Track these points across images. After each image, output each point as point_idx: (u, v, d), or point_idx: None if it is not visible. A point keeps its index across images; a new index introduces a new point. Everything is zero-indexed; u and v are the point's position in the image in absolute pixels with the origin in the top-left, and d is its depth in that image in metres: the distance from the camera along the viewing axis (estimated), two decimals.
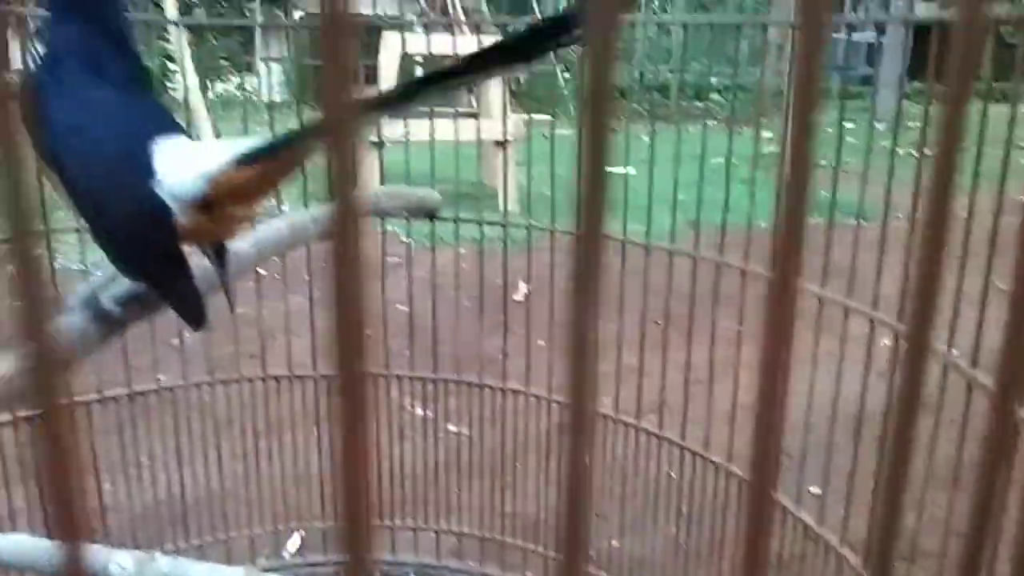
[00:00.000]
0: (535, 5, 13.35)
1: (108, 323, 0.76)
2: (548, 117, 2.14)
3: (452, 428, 1.93)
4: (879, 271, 1.30)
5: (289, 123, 1.96)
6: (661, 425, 1.64)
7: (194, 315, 0.76)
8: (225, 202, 0.70)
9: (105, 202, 0.71)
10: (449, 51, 1.70)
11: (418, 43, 4.01)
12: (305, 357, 1.71)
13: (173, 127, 0.76)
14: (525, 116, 3.69)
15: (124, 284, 0.76)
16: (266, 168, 0.68)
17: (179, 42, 5.39)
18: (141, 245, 0.72)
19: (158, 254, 0.72)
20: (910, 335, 0.25)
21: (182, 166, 0.70)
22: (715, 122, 1.84)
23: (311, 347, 1.67)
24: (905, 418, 0.24)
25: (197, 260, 0.79)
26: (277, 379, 1.73)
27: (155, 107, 0.78)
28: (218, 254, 0.81)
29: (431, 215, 1.27)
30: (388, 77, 3.95)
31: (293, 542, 1.87)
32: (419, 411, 1.87)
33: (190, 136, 0.80)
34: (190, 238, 0.74)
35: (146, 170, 0.70)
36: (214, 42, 10.77)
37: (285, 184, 0.76)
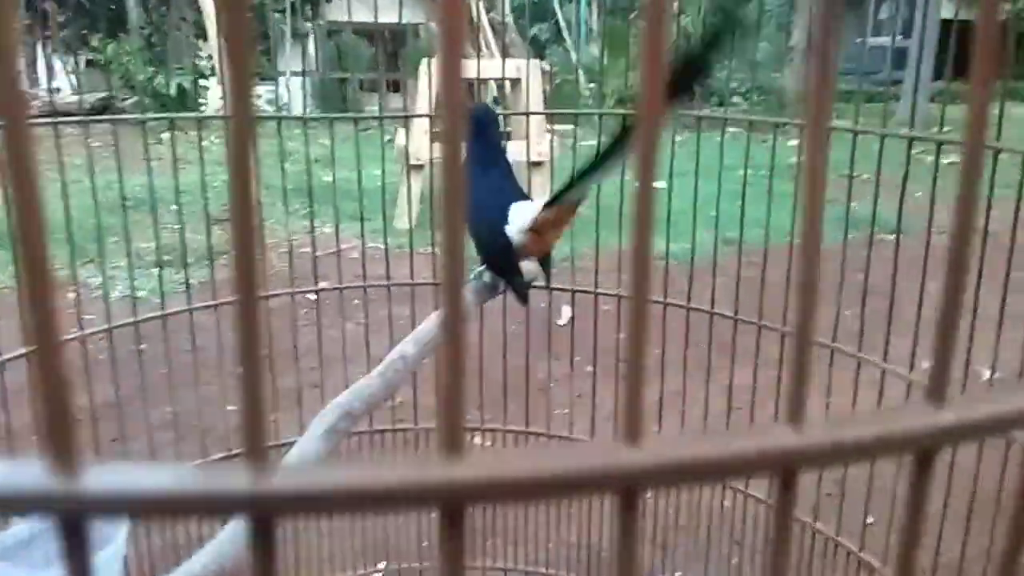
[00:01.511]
0: (558, 11, 13.43)
1: (489, 290, 1.40)
2: (570, 127, 2.17)
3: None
4: (893, 289, 1.33)
5: (320, 138, 2.03)
6: None
7: (522, 297, 1.38)
8: (541, 231, 1.28)
9: (483, 238, 1.32)
10: (497, 75, 1.77)
11: (465, 69, 4.12)
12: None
13: (520, 196, 1.35)
14: (555, 128, 3.75)
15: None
16: (559, 209, 1.24)
17: (219, 60, 5.53)
18: (499, 258, 1.33)
19: (506, 262, 1.33)
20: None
21: (519, 218, 1.29)
22: (737, 129, 1.88)
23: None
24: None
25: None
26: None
27: (512, 185, 1.37)
28: (542, 262, 1.41)
29: (530, 284, 1.56)
30: (426, 100, 4.05)
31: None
32: (476, 440, 1.92)
33: (530, 198, 1.36)
34: (526, 254, 1.33)
35: (502, 221, 1.30)
36: None
37: (572, 216, 1.28)
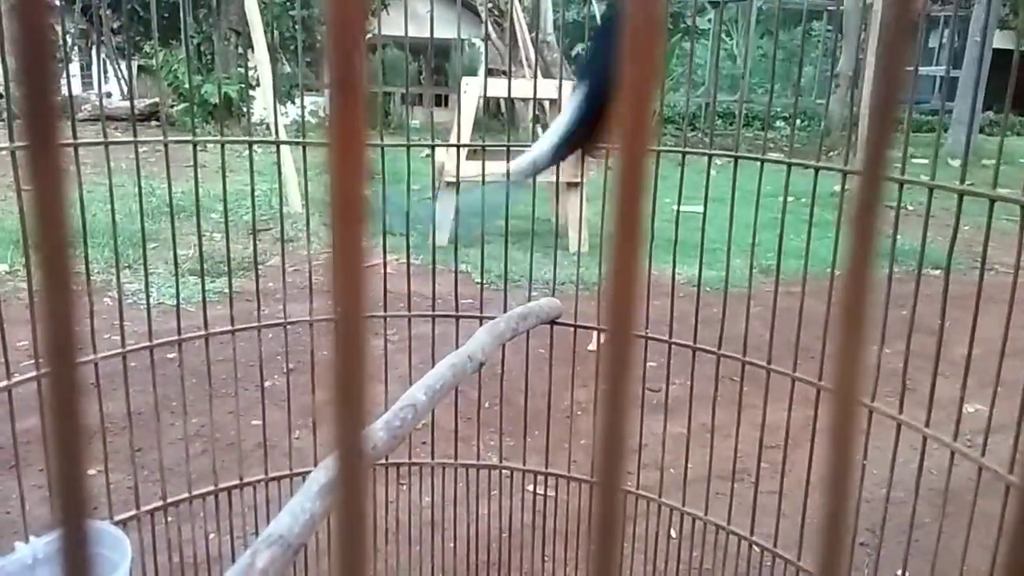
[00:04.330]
0: None
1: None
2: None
3: (531, 488, 1.89)
4: (941, 329, 1.26)
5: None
6: (730, 516, 1.61)
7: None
8: None
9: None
10: (528, 94, 1.75)
11: (498, 87, 4.14)
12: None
13: None
14: None
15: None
16: None
17: (264, 68, 5.62)
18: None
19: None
20: None
21: None
22: (779, 154, 1.83)
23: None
24: None
25: None
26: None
27: None
28: None
29: (554, 321, 1.57)
30: (467, 118, 4.06)
31: None
32: (493, 458, 1.87)
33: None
34: None
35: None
36: (285, 66, 11.16)
37: None
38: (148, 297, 1.49)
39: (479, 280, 1.82)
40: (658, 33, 0.19)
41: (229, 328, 1.58)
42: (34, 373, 1.37)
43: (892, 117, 0.20)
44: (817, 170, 1.44)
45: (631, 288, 0.19)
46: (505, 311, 1.61)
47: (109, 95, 10.73)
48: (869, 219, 0.18)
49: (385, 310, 1.66)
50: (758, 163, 1.57)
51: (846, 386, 0.17)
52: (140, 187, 1.48)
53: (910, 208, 1.80)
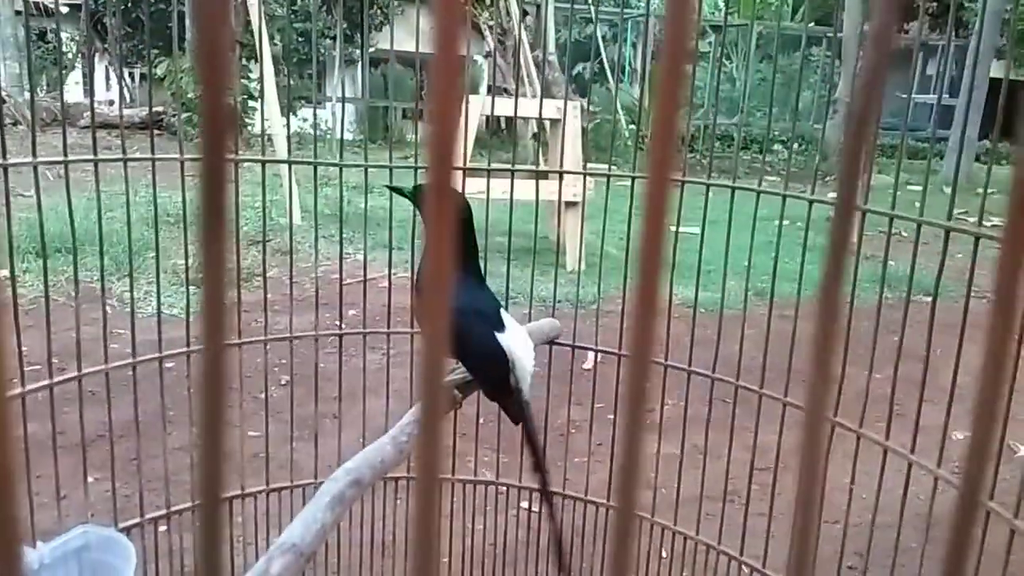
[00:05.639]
0: (602, 50, 13.59)
1: (450, 404, 1.33)
2: (604, 166, 2.17)
3: (525, 505, 1.90)
4: (926, 358, 1.27)
5: (358, 160, 2.08)
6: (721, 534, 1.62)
7: (516, 416, 1.33)
8: None
9: (479, 350, 1.26)
10: (529, 113, 1.77)
11: (505, 106, 4.20)
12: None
13: (500, 304, 1.32)
14: (590, 167, 3.78)
15: (459, 378, 1.33)
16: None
17: (268, 79, 5.67)
18: (496, 371, 1.28)
19: (502, 376, 1.28)
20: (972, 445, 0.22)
21: (518, 336, 1.30)
22: (775, 178, 1.85)
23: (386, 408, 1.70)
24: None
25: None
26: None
27: (493, 296, 1.33)
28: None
29: (553, 340, 1.60)
30: (470, 136, 4.12)
31: None
32: (488, 474, 1.89)
33: (507, 308, 1.34)
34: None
35: (496, 327, 1.27)
36: (287, 79, 11.20)
37: None
38: (159, 306, 1.52)
39: None
40: (686, 70, 0.20)
41: (236, 341, 1.60)
42: (46, 381, 1.39)
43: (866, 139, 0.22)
44: (811, 202, 1.48)
45: (653, 311, 0.21)
46: None
47: (112, 103, 10.79)
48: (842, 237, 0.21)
49: (389, 326, 1.68)
50: (755, 186, 1.60)
51: (816, 398, 0.20)
52: (156, 199, 1.51)
53: (904, 235, 1.82)
